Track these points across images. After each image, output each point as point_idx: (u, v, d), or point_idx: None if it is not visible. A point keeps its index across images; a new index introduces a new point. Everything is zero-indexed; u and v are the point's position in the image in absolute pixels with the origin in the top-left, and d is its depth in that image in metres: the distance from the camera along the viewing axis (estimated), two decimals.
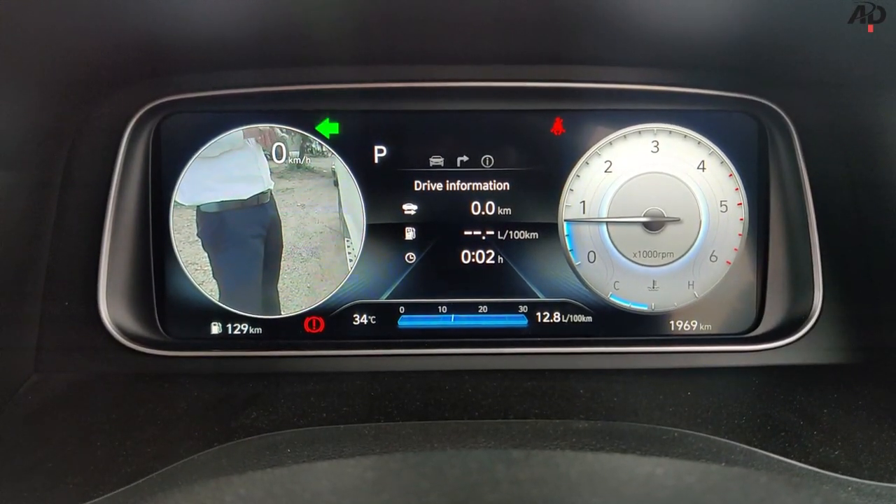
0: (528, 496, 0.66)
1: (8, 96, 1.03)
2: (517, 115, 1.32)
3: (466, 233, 1.32)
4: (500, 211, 1.32)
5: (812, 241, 1.29)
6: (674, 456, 0.75)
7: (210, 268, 1.30)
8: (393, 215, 1.32)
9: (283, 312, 1.32)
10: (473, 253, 1.32)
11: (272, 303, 1.32)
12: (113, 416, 1.07)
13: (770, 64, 1.22)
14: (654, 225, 1.32)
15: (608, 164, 1.32)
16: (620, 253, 1.33)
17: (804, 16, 1.02)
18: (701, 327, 1.34)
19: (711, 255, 1.33)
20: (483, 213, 1.32)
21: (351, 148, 1.31)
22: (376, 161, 1.31)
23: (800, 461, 0.84)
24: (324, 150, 1.30)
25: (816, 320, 1.28)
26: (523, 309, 1.34)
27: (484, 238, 1.32)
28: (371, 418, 1.06)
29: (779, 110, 1.29)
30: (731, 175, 1.32)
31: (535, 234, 1.33)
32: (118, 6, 0.97)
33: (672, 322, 1.34)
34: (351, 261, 1.31)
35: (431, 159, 1.31)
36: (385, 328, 1.33)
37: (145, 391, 1.17)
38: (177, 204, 1.30)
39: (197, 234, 1.30)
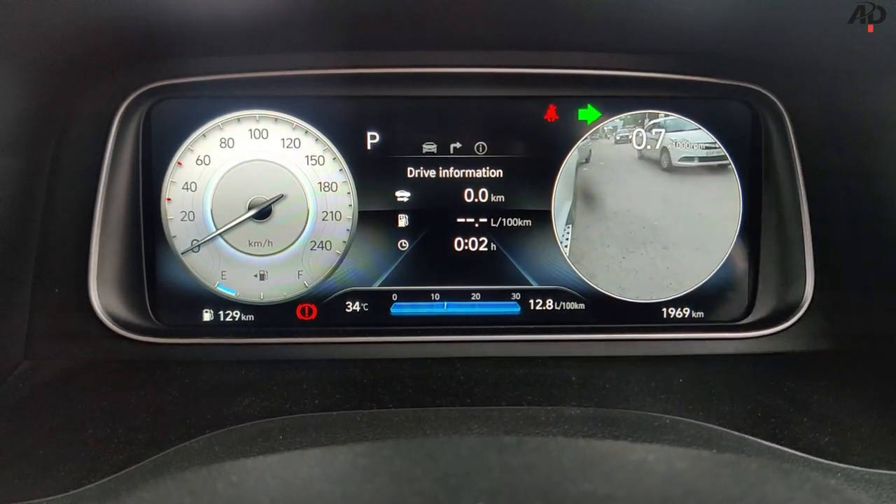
0: (521, 482, 0.66)
1: None
2: (511, 102, 1.31)
3: (459, 220, 1.32)
4: (493, 198, 1.32)
5: (804, 229, 1.29)
6: (665, 442, 0.75)
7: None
8: (385, 202, 1.31)
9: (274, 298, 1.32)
10: (466, 240, 1.32)
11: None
12: (104, 404, 1.07)
13: (765, 52, 1.22)
14: None
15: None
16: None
17: (800, 3, 1.02)
18: (693, 315, 1.35)
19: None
20: (476, 200, 1.31)
21: (343, 134, 1.30)
22: (369, 147, 1.30)
23: (790, 447, 0.84)
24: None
25: (808, 308, 1.29)
26: (516, 296, 1.34)
27: (477, 225, 1.32)
28: (363, 405, 1.06)
29: (773, 98, 1.29)
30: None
31: (528, 222, 1.32)
32: None
33: (664, 309, 1.35)
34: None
35: (424, 146, 1.30)
36: (378, 315, 1.33)
37: (136, 378, 1.17)
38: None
39: None
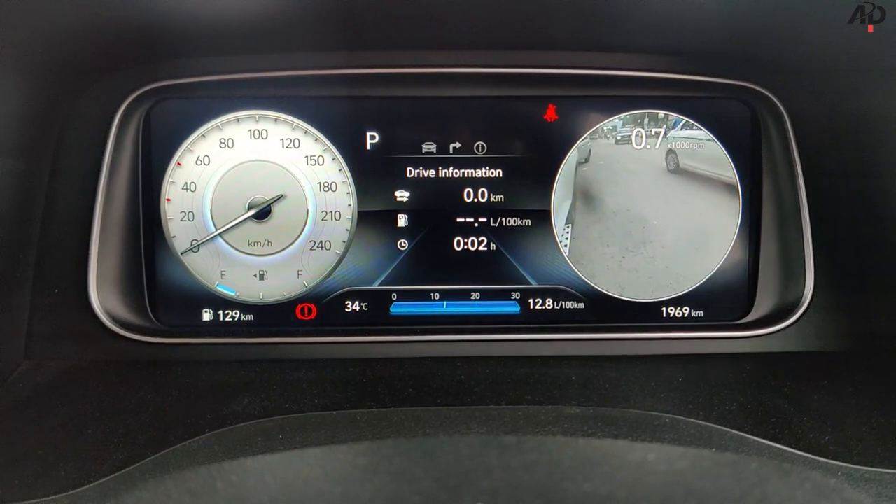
0: (521, 482, 0.66)
1: None
2: (510, 102, 1.31)
3: (459, 220, 1.32)
4: (492, 198, 1.32)
5: (804, 228, 1.29)
6: (665, 442, 0.75)
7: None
8: (385, 202, 1.31)
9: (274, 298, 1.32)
10: (466, 240, 1.32)
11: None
12: (104, 404, 1.07)
13: (764, 51, 1.22)
14: None
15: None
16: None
17: (800, 3, 1.02)
18: (693, 314, 1.35)
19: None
20: (476, 199, 1.31)
21: (343, 134, 1.30)
22: (368, 147, 1.30)
23: (790, 447, 0.84)
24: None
25: (807, 307, 1.29)
26: (516, 296, 1.34)
27: (476, 225, 1.32)
28: (363, 405, 1.06)
29: (772, 97, 1.29)
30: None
31: (527, 221, 1.32)
32: None
33: (664, 309, 1.35)
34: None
35: (424, 146, 1.30)
36: (377, 315, 1.33)
37: (136, 378, 1.17)
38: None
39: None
